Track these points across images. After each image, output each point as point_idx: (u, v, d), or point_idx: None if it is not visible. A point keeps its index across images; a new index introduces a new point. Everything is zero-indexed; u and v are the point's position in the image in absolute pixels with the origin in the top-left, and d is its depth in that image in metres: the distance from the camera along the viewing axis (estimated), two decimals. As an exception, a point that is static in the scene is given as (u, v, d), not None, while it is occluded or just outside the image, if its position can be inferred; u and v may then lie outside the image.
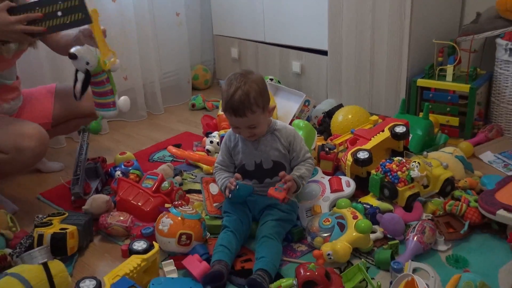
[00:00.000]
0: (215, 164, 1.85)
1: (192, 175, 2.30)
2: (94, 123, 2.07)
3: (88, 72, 1.88)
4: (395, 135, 2.03)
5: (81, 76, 1.91)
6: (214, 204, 1.91)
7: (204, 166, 2.30)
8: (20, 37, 1.74)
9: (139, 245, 1.65)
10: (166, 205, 1.81)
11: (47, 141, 1.91)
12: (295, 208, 1.82)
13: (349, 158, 1.99)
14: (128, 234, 1.86)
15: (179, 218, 1.70)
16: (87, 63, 1.86)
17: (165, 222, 1.70)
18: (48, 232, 1.69)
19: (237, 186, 1.69)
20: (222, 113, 2.68)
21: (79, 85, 1.95)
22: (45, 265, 1.51)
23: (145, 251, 1.61)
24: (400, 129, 2.03)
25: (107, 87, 1.91)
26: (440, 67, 2.44)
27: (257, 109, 1.65)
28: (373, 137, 2.08)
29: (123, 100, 2.04)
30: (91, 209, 1.92)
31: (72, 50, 1.84)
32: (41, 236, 1.68)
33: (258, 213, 1.78)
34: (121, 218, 1.87)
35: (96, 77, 1.92)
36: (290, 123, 2.53)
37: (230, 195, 1.70)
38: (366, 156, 1.95)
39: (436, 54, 2.46)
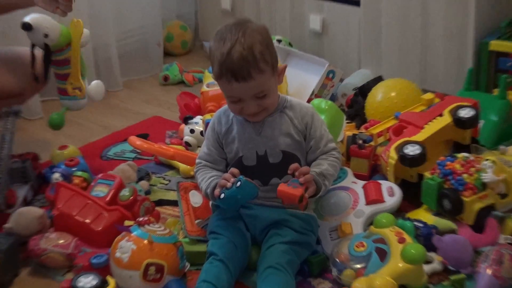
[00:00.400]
0: (197, 160, 1.86)
1: (164, 179, 2.28)
2: (55, 115, 2.11)
3: (47, 47, 1.95)
4: (458, 122, 2.03)
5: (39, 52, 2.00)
6: (196, 221, 1.91)
7: (182, 166, 2.29)
8: None
9: (87, 281, 1.64)
10: (126, 223, 1.80)
11: None
12: (314, 226, 1.82)
13: (393, 155, 1.99)
14: (71, 265, 1.85)
15: (146, 241, 1.69)
16: (46, 35, 1.93)
17: (125, 248, 1.69)
18: None
19: (239, 183, 1.66)
20: (207, 88, 2.73)
21: (39, 63, 2.02)
22: None
23: (95, 290, 1.61)
24: (465, 113, 2.03)
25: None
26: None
27: (266, 67, 1.67)
28: (427, 124, 2.07)
29: (94, 86, 2.09)
30: (17, 228, 1.91)
31: (26, 18, 1.91)
32: None
33: (260, 233, 1.78)
34: (61, 241, 1.86)
35: (58, 54, 1.98)
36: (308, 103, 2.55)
37: (222, 195, 1.68)
38: (418, 151, 1.95)
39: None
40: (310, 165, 1.79)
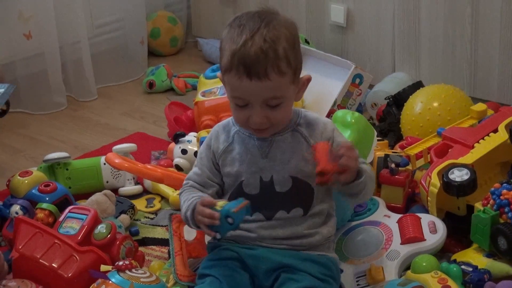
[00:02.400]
0: (185, 181, 1.87)
1: (149, 211, 2.32)
2: None
3: None
4: (518, 140, 2.04)
5: None
6: (189, 260, 1.92)
7: (172, 195, 2.32)
8: None
9: None
10: (103, 268, 1.80)
11: None
12: (335, 271, 1.81)
13: (435, 182, 1.99)
14: (34, 320, 1.85)
15: (127, 291, 1.69)
16: None
17: (101, 299, 1.69)
18: None
19: (230, 219, 1.65)
20: (203, 98, 2.73)
21: None
22: None
23: None
24: (527, 128, 2.04)
25: None
26: None
27: (288, 69, 1.67)
28: (478, 142, 2.07)
29: None
30: (-33, 274, 1.91)
31: None
32: None
33: (264, 277, 1.78)
34: (22, 290, 1.86)
35: None
36: (328, 116, 2.54)
37: (218, 235, 1.69)
38: (466, 177, 1.95)
39: None
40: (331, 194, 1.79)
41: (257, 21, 1.66)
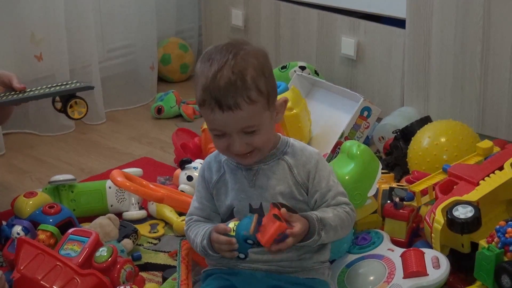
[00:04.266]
0: (187, 217, 1.87)
1: (153, 236, 2.33)
2: None
3: None
4: (524, 177, 2.04)
5: None
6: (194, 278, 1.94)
7: (176, 221, 2.33)
8: None
9: None
10: None
11: None
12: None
13: (439, 219, 1.98)
14: None
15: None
16: None
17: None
18: None
19: (246, 239, 1.68)
20: None
21: None
22: None
23: None
24: (533, 167, 2.03)
25: None
26: None
27: (259, 97, 1.69)
28: (483, 179, 2.07)
29: None
30: (-32, 294, 1.92)
31: None
32: None
33: None
34: (22, 312, 1.88)
35: None
36: (335, 148, 2.55)
37: (243, 255, 1.72)
38: (470, 214, 1.94)
39: None
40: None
41: (224, 54, 1.69)
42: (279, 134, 1.82)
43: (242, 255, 1.72)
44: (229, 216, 1.81)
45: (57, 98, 2.38)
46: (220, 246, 1.72)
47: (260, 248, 1.73)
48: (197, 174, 2.41)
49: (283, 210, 1.69)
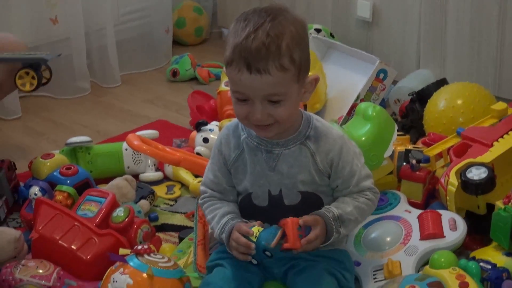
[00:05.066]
0: (202, 187, 1.87)
1: (169, 197, 2.34)
2: None
3: None
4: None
5: None
6: (211, 245, 1.94)
7: (192, 183, 2.33)
8: None
9: None
10: (121, 251, 1.80)
11: None
12: (348, 264, 1.82)
13: (453, 181, 1.99)
14: (52, 300, 1.87)
15: (145, 275, 1.71)
16: None
17: (119, 282, 1.70)
18: None
19: (265, 250, 1.69)
20: (226, 88, 2.73)
21: None
22: None
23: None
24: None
25: None
26: None
27: (290, 66, 1.65)
28: (497, 141, 2.08)
29: None
30: (-14, 253, 1.94)
31: None
32: None
33: (277, 266, 1.80)
34: (40, 271, 1.88)
35: None
36: (351, 110, 2.55)
37: (253, 259, 1.73)
38: (484, 175, 1.95)
39: None
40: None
41: (263, 16, 1.65)
42: (301, 110, 1.78)
43: (254, 261, 1.73)
44: (246, 198, 1.80)
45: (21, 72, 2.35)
46: (238, 247, 1.70)
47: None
48: (213, 136, 2.44)
49: (296, 218, 1.68)
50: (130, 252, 1.77)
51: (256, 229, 1.69)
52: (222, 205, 1.81)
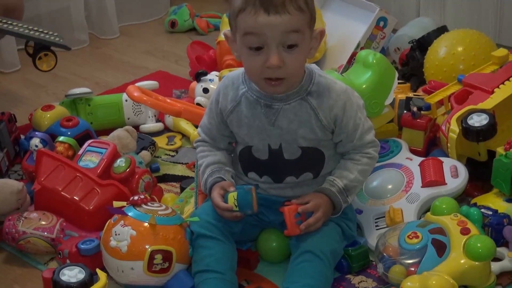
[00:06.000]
0: (198, 129, 1.90)
1: (170, 148, 2.35)
2: None
3: None
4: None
5: None
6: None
7: (193, 133, 2.34)
8: None
9: (72, 274, 1.66)
10: (116, 204, 1.80)
11: None
12: (349, 212, 1.84)
13: (454, 128, 1.99)
14: (56, 251, 1.88)
15: (146, 224, 1.72)
16: None
17: (122, 235, 1.72)
18: None
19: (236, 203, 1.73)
20: (224, 37, 2.69)
21: None
22: None
23: (82, 287, 1.64)
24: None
25: None
26: None
27: (305, 7, 1.64)
28: (498, 87, 2.07)
29: None
30: (-11, 205, 1.94)
31: None
32: None
33: (276, 217, 1.81)
34: (43, 223, 1.89)
35: None
36: (351, 59, 2.54)
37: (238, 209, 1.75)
38: (485, 122, 1.95)
39: None
40: (337, 166, 1.80)
41: None
42: (307, 65, 1.77)
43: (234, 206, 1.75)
44: (247, 150, 1.80)
45: (31, 43, 2.38)
46: (222, 212, 1.74)
47: (274, 184, 1.79)
48: (213, 87, 2.44)
49: (294, 205, 1.70)
50: (127, 204, 1.78)
51: (231, 199, 1.72)
52: (209, 154, 1.84)
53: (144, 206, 1.76)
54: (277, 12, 1.60)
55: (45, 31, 2.38)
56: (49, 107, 2.35)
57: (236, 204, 1.71)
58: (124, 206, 1.76)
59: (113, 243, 1.72)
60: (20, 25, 2.34)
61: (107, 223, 1.77)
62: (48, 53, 2.36)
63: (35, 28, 2.36)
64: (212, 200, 1.76)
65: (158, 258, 1.69)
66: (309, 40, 1.68)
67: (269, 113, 1.74)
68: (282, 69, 1.65)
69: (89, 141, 2.08)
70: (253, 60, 1.66)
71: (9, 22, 2.32)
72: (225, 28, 2.68)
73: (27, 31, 2.33)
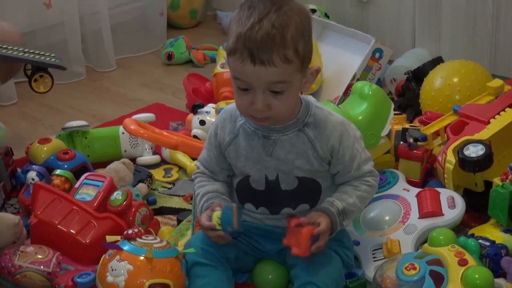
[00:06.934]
0: (197, 162, 1.90)
1: (167, 180, 2.35)
2: None
3: None
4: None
5: None
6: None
7: (190, 165, 2.33)
8: None
9: None
10: (109, 238, 1.79)
11: None
12: (347, 242, 1.84)
13: (450, 158, 1.99)
14: (52, 285, 1.87)
15: (142, 258, 1.72)
16: None
17: (118, 270, 1.72)
18: None
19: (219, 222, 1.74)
20: (222, 70, 2.75)
21: None
22: None
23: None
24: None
25: None
26: None
27: (294, 58, 1.64)
28: (494, 118, 2.07)
29: None
30: (-15, 238, 1.94)
31: None
32: None
33: (274, 251, 1.81)
34: (40, 257, 1.89)
35: None
36: (347, 90, 2.54)
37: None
38: (481, 152, 1.94)
39: None
40: (336, 190, 1.80)
41: (268, 5, 1.63)
42: (301, 96, 1.76)
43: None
44: (244, 181, 1.80)
45: (29, 66, 2.38)
46: (207, 232, 1.74)
47: (271, 215, 1.80)
48: (209, 119, 2.44)
49: (303, 218, 1.69)
50: (121, 238, 1.78)
51: (215, 218, 1.72)
52: (207, 184, 1.84)
53: (138, 239, 1.76)
54: (262, 64, 1.61)
55: (42, 53, 2.38)
56: (46, 140, 2.35)
57: (219, 223, 1.72)
58: (118, 241, 1.76)
59: (109, 278, 1.71)
60: (15, 48, 2.33)
61: (102, 258, 1.76)
62: (43, 74, 2.35)
63: (31, 50, 2.36)
64: (199, 220, 1.76)
65: (156, 293, 1.70)
66: (299, 82, 1.69)
67: (266, 144, 1.75)
68: (267, 111, 1.67)
69: (86, 174, 2.08)
70: (241, 98, 1.68)
71: (4, 46, 2.32)
72: (222, 60, 2.71)
73: (21, 53, 2.32)
